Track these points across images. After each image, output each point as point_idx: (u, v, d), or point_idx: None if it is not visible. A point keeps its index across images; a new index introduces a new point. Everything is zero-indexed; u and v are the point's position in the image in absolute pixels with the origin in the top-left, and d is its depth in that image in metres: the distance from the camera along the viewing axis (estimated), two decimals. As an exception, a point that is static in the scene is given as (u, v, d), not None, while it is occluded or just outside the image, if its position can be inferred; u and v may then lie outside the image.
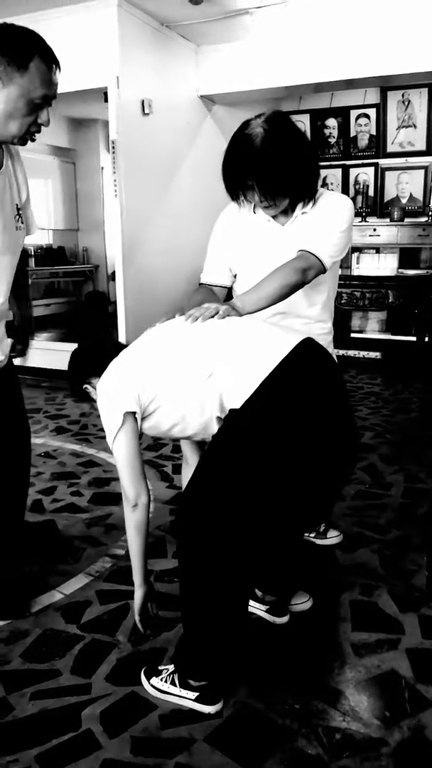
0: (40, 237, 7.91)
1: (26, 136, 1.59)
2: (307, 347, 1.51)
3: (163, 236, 5.27)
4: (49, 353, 5.52)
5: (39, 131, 1.61)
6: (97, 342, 1.84)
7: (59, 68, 1.57)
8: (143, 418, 1.58)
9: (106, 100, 4.77)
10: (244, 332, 1.56)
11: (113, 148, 4.78)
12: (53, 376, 5.40)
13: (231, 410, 1.48)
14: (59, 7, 4.66)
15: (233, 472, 1.45)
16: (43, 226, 7.90)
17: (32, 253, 7.39)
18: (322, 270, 1.79)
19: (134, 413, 1.54)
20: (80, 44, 4.67)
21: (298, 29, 5.00)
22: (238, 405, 1.46)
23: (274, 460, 1.43)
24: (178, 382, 1.53)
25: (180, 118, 5.47)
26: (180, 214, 5.45)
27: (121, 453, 1.57)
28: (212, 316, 1.59)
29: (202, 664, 1.61)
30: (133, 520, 1.62)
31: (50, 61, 1.53)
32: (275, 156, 1.68)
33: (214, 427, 1.55)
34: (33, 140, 1.62)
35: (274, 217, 1.87)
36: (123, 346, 1.70)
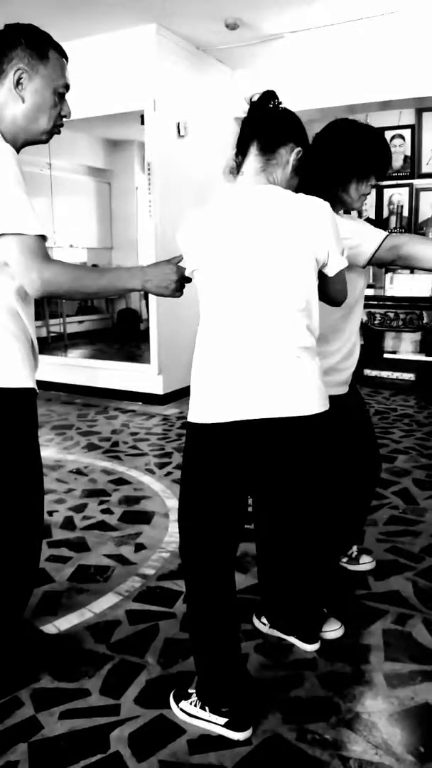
0: (74, 255, 8.06)
1: (53, 129, 1.63)
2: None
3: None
4: (82, 370, 5.59)
5: (62, 125, 1.65)
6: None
7: (67, 59, 1.63)
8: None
9: (142, 123, 4.86)
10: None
11: (149, 169, 4.85)
12: (86, 393, 5.47)
13: (192, 424, 1.51)
14: (100, 33, 4.78)
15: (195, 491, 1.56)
16: (77, 244, 8.05)
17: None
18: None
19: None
20: (119, 69, 4.78)
21: (332, 52, 5.04)
22: (199, 416, 1.48)
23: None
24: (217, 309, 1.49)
25: (215, 140, 5.53)
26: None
27: None
28: None
29: (208, 687, 1.61)
30: None
31: (62, 51, 1.60)
32: None
33: None
34: (58, 133, 1.65)
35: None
36: None
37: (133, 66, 4.78)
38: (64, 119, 1.64)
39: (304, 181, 1.91)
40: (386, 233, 1.84)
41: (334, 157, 1.90)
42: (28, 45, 1.53)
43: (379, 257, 1.84)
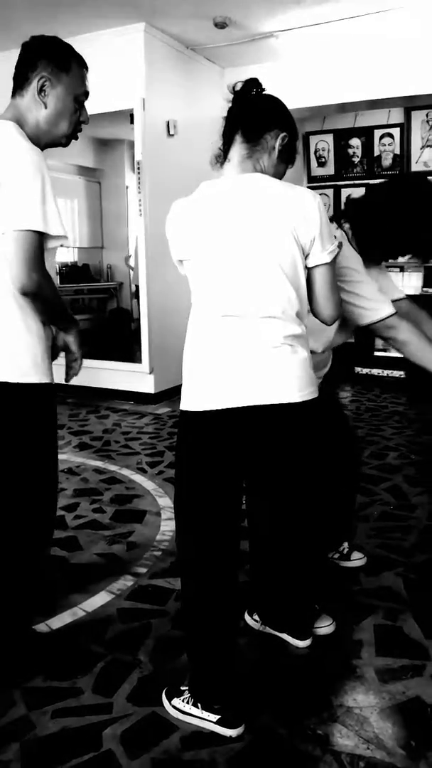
0: (65, 254, 8.04)
1: (72, 134, 1.75)
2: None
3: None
4: (73, 369, 5.57)
5: (81, 130, 1.77)
6: None
7: (87, 69, 1.75)
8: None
9: (132, 122, 4.85)
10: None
11: (138, 168, 4.85)
12: (77, 392, 5.45)
13: (186, 413, 1.51)
14: (89, 32, 4.77)
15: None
16: (68, 243, 8.03)
17: (58, 270, 7.50)
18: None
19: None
20: (108, 68, 4.75)
21: (322, 51, 5.05)
22: (190, 404, 1.49)
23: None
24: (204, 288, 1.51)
25: (205, 138, 5.53)
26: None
27: None
28: None
29: (201, 684, 1.61)
30: None
31: (83, 62, 1.75)
32: None
33: None
34: (76, 138, 1.77)
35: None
36: None
37: (122, 65, 4.77)
38: (83, 125, 1.76)
39: (357, 226, 1.92)
40: (394, 309, 1.85)
41: (400, 228, 1.89)
42: (53, 56, 1.65)
43: (375, 328, 1.88)
